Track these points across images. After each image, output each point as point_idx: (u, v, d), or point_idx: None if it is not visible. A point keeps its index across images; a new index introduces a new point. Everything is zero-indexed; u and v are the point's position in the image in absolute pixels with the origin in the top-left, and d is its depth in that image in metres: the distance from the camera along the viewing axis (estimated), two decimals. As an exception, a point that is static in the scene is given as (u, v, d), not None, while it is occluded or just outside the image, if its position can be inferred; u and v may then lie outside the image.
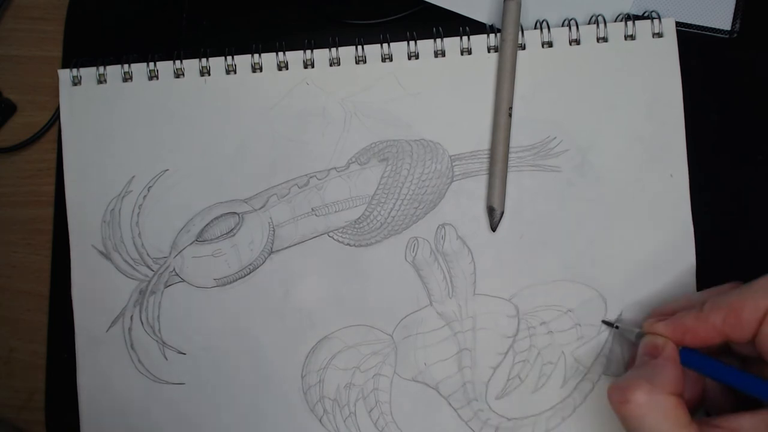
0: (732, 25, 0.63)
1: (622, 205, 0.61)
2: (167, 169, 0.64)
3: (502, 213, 0.61)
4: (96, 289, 0.64)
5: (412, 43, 0.64)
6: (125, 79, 0.65)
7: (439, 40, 0.63)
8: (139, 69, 0.65)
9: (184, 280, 0.63)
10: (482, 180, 0.62)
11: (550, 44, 0.63)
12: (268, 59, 0.64)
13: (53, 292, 0.66)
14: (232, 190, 0.64)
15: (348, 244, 0.63)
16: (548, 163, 0.62)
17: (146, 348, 0.63)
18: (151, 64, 0.65)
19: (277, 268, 0.63)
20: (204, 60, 0.64)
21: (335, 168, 0.63)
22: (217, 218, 0.63)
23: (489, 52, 0.63)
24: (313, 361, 0.62)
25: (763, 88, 0.63)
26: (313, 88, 0.64)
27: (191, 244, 0.63)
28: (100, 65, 0.65)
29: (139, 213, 0.64)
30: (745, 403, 0.51)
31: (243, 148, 0.64)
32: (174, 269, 0.63)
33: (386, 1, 0.66)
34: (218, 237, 0.63)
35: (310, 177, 0.63)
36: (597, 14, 0.63)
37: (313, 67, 0.64)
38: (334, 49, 0.64)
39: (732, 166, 0.62)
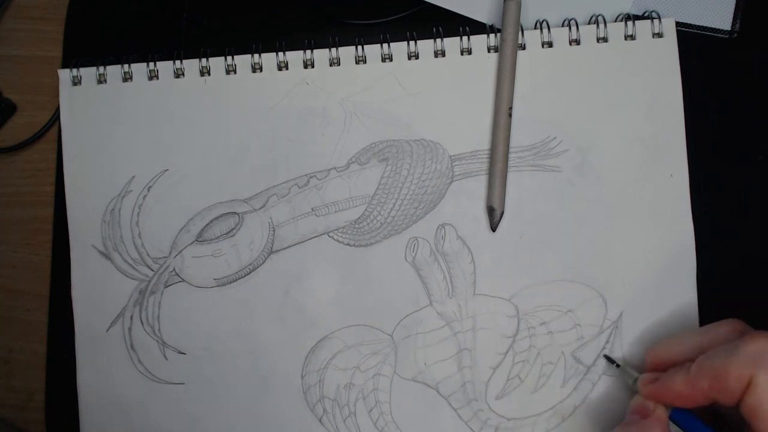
0: (732, 25, 0.63)
1: (622, 205, 0.61)
2: (167, 169, 0.64)
3: (502, 213, 0.61)
4: (96, 289, 0.64)
5: (412, 43, 0.64)
6: (125, 79, 0.65)
7: (439, 40, 0.63)
8: (139, 69, 0.65)
9: (184, 280, 0.63)
10: (482, 180, 0.62)
11: (550, 44, 0.63)
12: (268, 59, 0.64)
13: (53, 292, 0.65)
14: (232, 190, 0.63)
15: (348, 244, 0.63)
16: (548, 163, 0.62)
17: (146, 348, 0.63)
18: (151, 64, 0.65)
19: (277, 268, 0.63)
20: (204, 60, 0.64)
21: (335, 168, 0.63)
22: (217, 218, 0.63)
23: (489, 52, 0.63)
24: (312, 361, 0.62)
25: (763, 88, 0.63)
26: (313, 88, 0.64)
27: (191, 244, 0.63)
28: (100, 65, 0.65)
29: (139, 213, 0.64)
30: None
31: (243, 148, 0.64)
32: (174, 269, 0.63)
33: (386, 1, 0.66)
34: (218, 237, 0.63)
35: (310, 177, 0.63)
36: (597, 14, 0.63)
37: (313, 67, 0.64)
38: (334, 49, 0.64)
39: (732, 166, 0.62)
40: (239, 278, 0.63)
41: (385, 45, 0.64)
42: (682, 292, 0.61)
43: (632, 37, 0.62)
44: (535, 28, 0.63)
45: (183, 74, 0.65)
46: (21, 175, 0.68)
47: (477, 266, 0.62)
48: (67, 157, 0.65)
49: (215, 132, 0.64)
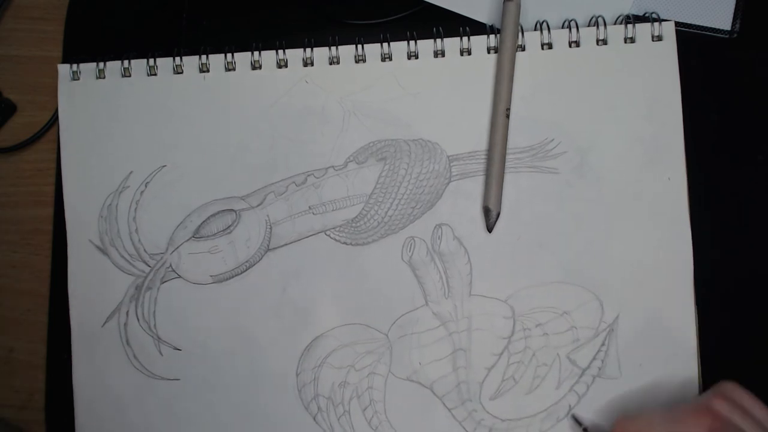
0: (732, 25, 0.63)
1: (620, 207, 0.61)
2: (165, 165, 0.64)
3: (498, 214, 0.61)
4: (92, 284, 0.64)
5: (411, 43, 0.64)
6: (124, 75, 0.65)
7: (438, 40, 0.63)
8: (138, 65, 0.65)
9: (180, 276, 0.63)
10: (480, 181, 0.62)
11: (549, 46, 0.63)
12: (268, 57, 0.64)
13: (53, 291, 0.66)
14: (229, 187, 0.64)
15: (345, 243, 0.63)
16: (546, 164, 0.62)
17: (142, 343, 0.63)
18: (151, 60, 0.65)
19: (274, 266, 0.63)
20: (203, 57, 0.65)
21: (333, 166, 0.63)
22: (214, 215, 0.63)
23: (489, 52, 0.63)
24: (308, 359, 0.62)
25: (763, 88, 0.63)
26: (312, 87, 0.64)
27: (188, 240, 0.63)
28: (100, 61, 0.65)
29: (136, 209, 0.64)
30: None
31: (241, 146, 0.64)
32: (170, 265, 0.63)
33: (386, 1, 0.66)
34: (215, 234, 0.63)
35: (308, 175, 0.63)
36: (597, 15, 0.63)
37: (312, 65, 0.64)
38: (333, 48, 0.64)
39: (732, 166, 0.62)
40: (236, 275, 0.63)
41: (384, 44, 0.64)
42: (680, 295, 0.60)
43: (632, 40, 0.62)
44: (535, 29, 0.63)
45: (182, 71, 0.65)
46: (21, 175, 0.68)
47: (473, 267, 0.62)
48: (66, 152, 0.65)
49: (213, 129, 0.64)
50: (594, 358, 0.60)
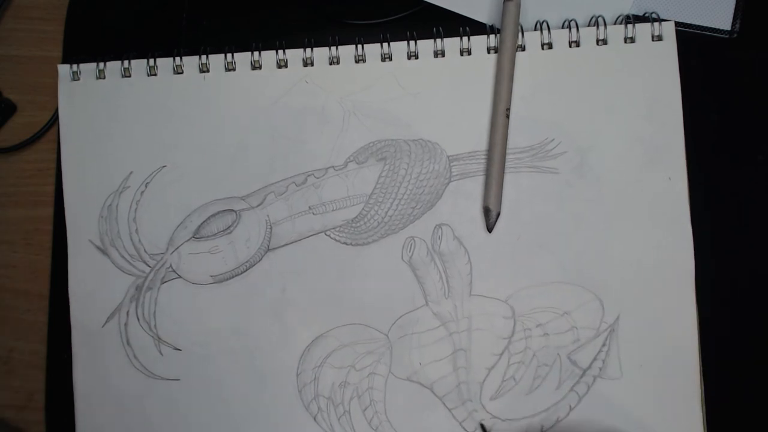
0: (732, 25, 0.63)
1: (620, 207, 0.61)
2: (165, 166, 0.64)
3: (498, 214, 0.61)
4: (92, 284, 0.64)
5: (411, 42, 0.64)
6: (124, 75, 0.65)
7: (438, 40, 0.63)
8: (138, 65, 0.65)
9: (180, 277, 0.63)
10: (480, 181, 0.62)
11: (549, 45, 0.63)
12: (268, 57, 0.64)
13: (53, 291, 0.66)
14: (229, 188, 0.64)
15: (345, 243, 0.63)
16: (546, 164, 0.62)
17: (142, 344, 0.63)
18: (151, 60, 0.65)
19: (274, 266, 0.63)
20: (203, 57, 0.65)
21: (333, 167, 0.63)
22: (214, 215, 0.63)
23: (489, 52, 0.63)
24: (308, 359, 0.62)
25: (763, 88, 0.63)
26: (312, 87, 0.64)
27: (188, 240, 0.63)
28: (100, 61, 0.65)
29: (136, 209, 0.64)
30: None
31: (241, 146, 0.64)
32: (171, 265, 0.63)
33: (386, 1, 0.66)
34: (215, 234, 0.63)
35: (308, 175, 0.63)
36: (597, 15, 0.63)
37: (312, 65, 0.64)
38: (333, 48, 0.64)
39: (732, 166, 0.62)
40: (236, 275, 0.63)
41: (384, 44, 0.64)
42: (680, 295, 0.60)
43: (632, 40, 0.62)
44: (535, 29, 0.63)
45: (182, 71, 0.65)
46: (21, 175, 0.68)
47: (473, 267, 0.62)
48: (66, 153, 0.65)
49: (214, 129, 0.64)
50: (595, 359, 0.60)
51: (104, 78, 0.65)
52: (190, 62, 0.65)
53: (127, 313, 0.63)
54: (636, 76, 0.62)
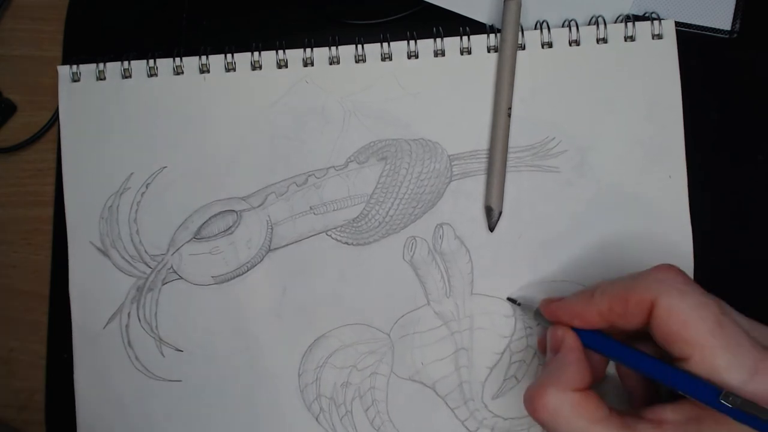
0: (732, 25, 0.63)
1: (620, 206, 0.61)
2: (165, 167, 0.64)
3: (500, 213, 0.61)
4: (93, 286, 0.64)
5: (411, 42, 0.64)
6: (125, 76, 0.65)
7: (438, 40, 0.63)
8: (138, 66, 0.65)
9: (181, 278, 0.63)
10: (481, 180, 0.62)
11: (550, 45, 0.63)
12: (268, 57, 0.64)
13: (53, 291, 0.66)
14: (230, 188, 0.64)
15: (346, 243, 0.63)
16: (547, 163, 0.62)
17: (143, 345, 0.63)
18: (151, 61, 0.65)
19: (275, 266, 0.63)
20: (204, 57, 0.64)
21: (334, 167, 0.63)
22: (215, 216, 0.63)
23: (489, 52, 0.63)
24: (309, 360, 0.62)
25: (763, 88, 0.63)
26: (312, 87, 0.64)
27: (189, 241, 0.63)
28: (100, 62, 0.65)
29: (137, 210, 0.64)
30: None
31: (242, 146, 0.64)
32: (172, 266, 0.63)
33: (386, 1, 0.66)
34: (216, 234, 0.63)
35: (309, 175, 0.63)
36: (597, 15, 0.63)
37: (312, 65, 0.64)
38: (333, 48, 0.64)
39: (732, 166, 0.62)
40: (237, 276, 0.63)
41: (384, 44, 0.64)
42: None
43: (632, 39, 0.62)
44: (535, 28, 0.63)
45: (182, 71, 0.65)
46: (21, 175, 0.68)
47: (475, 266, 0.62)
48: (66, 154, 0.65)
49: (214, 129, 0.64)
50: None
51: (104, 79, 0.65)
52: (190, 63, 0.65)
53: (128, 314, 0.63)
54: (636, 75, 0.62)
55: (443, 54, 0.64)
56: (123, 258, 0.64)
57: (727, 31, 0.63)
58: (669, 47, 0.62)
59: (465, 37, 0.63)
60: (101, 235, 0.64)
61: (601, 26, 0.62)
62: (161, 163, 0.64)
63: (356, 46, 0.64)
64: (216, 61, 0.64)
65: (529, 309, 0.59)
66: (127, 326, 0.63)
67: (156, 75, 0.65)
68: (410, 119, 0.63)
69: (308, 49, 0.64)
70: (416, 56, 0.64)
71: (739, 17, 0.63)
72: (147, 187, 0.64)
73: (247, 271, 0.63)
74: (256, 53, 0.64)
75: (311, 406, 0.62)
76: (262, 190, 0.63)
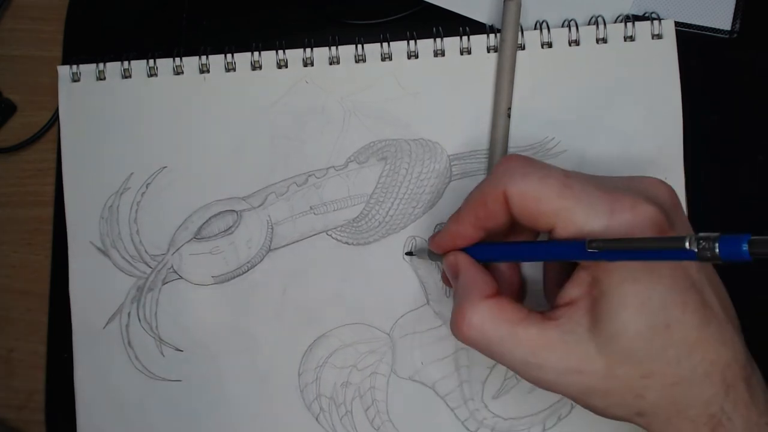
0: (732, 25, 0.63)
1: (621, 206, 0.61)
2: (165, 167, 0.64)
3: (501, 212, 0.61)
4: (93, 286, 0.64)
5: (411, 42, 0.64)
6: (124, 76, 0.65)
7: (438, 40, 0.63)
8: (138, 66, 0.65)
9: (181, 277, 0.63)
10: (481, 180, 0.62)
11: (549, 45, 0.63)
12: (268, 57, 0.64)
13: (53, 291, 0.65)
14: (230, 188, 0.64)
15: (346, 243, 0.63)
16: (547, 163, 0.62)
17: (143, 345, 0.63)
18: (151, 61, 0.65)
19: (275, 266, 0.63)
20: (203, 57, 0.64)
21: (334, 167, 0.63)
22: (215, 216, 0.63)
23: (488, 52, 0.63)
24: (310, 359, 0.62)
25: (763, 88, 0.63)
26: (312, 87, 0.64)
27: (189, 241, 0.63)
28: (100, 62, 0.65)
29: (137, 210, 0.64)
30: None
31: (242, 146, 0.64)
32: (172, 266, 0.63)
33: (386, 1, 0.66)
34: (216, 234, 0.63)
35: (309, 175, 0.63)
36: (597, 15, 0.63)
37: (312, 65, 0.64)
38: (333, 48, 0.64)
39: (732, 166, 0.62)
40: (237, 276, 0.63)
41: (384, 44, 0.64)
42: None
43: (632, 38, 0.62)
44: (535, 28, 0.63)
45: (182, 71, 0.65)
46: (21, 175, 0.68)
47: (475, 265, 0.62)
48: (66, 154, 0.65)
49: (214, 130, 0.64)
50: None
51: (104, 79, 0.65)
52: (190, 63, 0.65)
53: (129, 314, 0.63)
54: (636, 75, 0.62)
55: (443, 54, 0.64)
56: (123, 258, 0.64)
57: (727, 31, 0.63)
58: (669, 47, 0.62)
59: (465, 37, 0.63)
60: (101, 235, 0.64)
61: (601, 26, 0.62)
62: (161, 163, 0.64)
63: (356, 46, 0.64)
64: (216, 61, 0.64)
65: (422, 253, 0.60)
66: (127, 326, 0.63)
67: (156, 75, 0.65)
68: (410, 119, 0.63)
69: (308, 49, 0.64)
70: (416, 56, 0.64)
71: (739, 17, 0.63)
72: (147, 187, 0.64)
73: (248, 270, 0.63)
74: (256, 53, 0.64)
75: (311, 406, 0.62)
76: (262, 190, 0.63)
